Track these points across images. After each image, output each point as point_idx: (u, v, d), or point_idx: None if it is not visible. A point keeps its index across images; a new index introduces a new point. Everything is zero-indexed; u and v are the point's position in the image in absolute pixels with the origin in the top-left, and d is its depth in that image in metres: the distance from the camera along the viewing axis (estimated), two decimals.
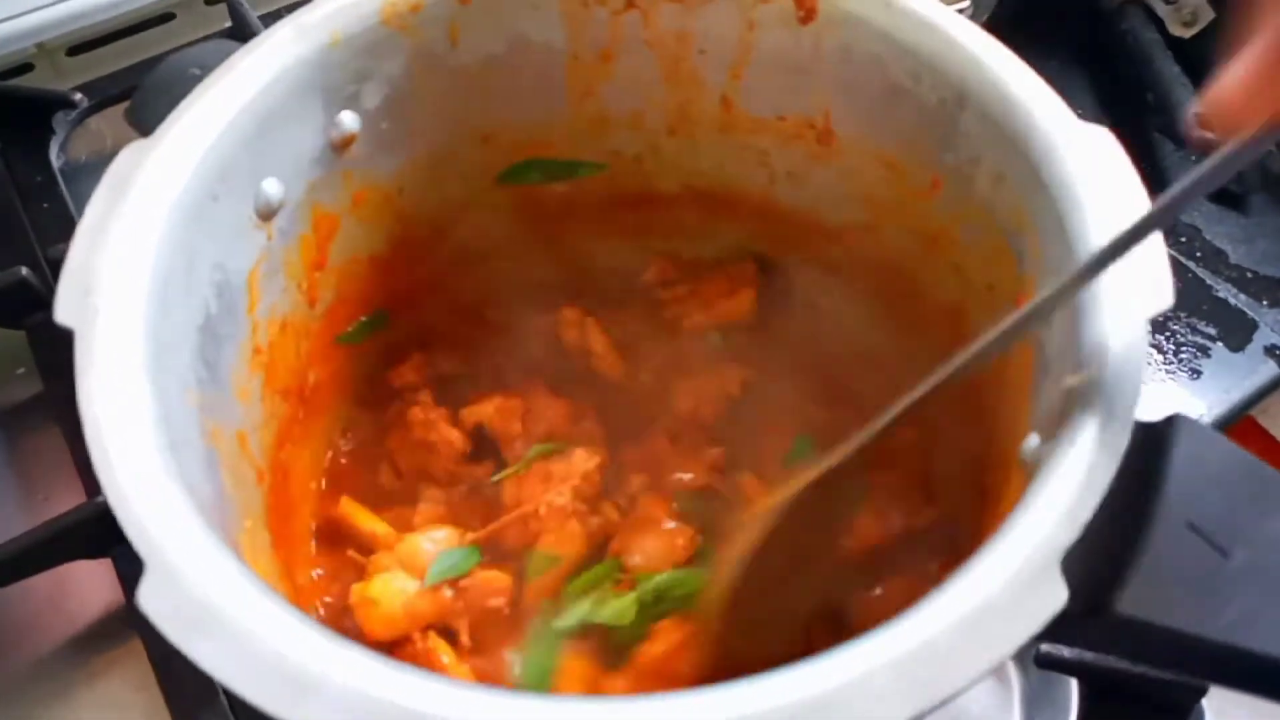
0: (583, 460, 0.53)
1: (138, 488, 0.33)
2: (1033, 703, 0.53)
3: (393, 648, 0.47)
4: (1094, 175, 0.40)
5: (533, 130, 0.55)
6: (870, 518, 0.51)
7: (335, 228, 0.51)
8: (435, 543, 0.49)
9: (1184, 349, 0.66)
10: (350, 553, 0.51)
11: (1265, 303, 0.68)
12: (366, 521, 0.53)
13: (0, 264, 0.65)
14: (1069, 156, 0.41)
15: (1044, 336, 0.40)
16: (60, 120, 0.74)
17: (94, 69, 0.79)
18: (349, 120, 0.49)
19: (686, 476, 0.54)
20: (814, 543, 0.45)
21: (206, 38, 0.80)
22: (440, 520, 0.52)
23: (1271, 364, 0.65)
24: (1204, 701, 0.49)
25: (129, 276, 0.38)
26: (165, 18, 0.81)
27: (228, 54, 0.45)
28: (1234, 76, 0.30)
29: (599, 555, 0.52)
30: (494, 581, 0.49)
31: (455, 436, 0.55)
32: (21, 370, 0.64)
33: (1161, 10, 0.80)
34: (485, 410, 0.55)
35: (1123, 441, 0.33)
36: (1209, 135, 0.32)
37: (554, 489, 0.51)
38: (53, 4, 0.76)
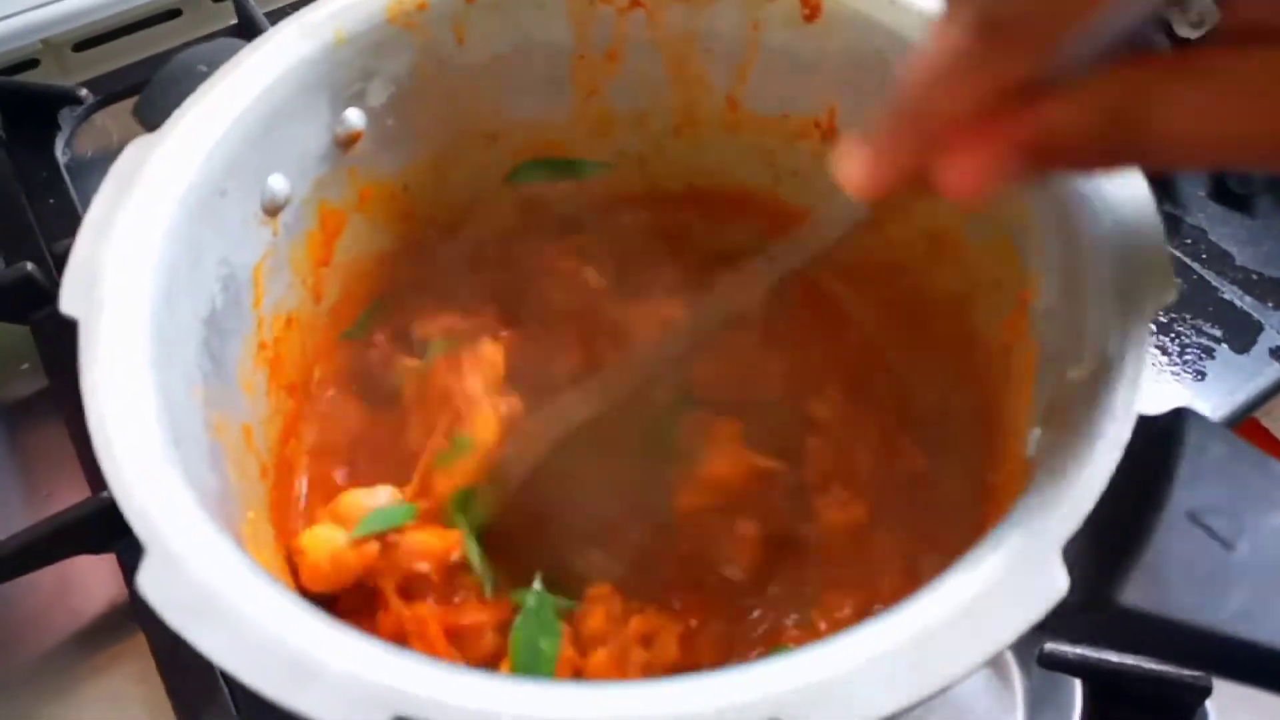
0: (490, 350, 0.52)
1: (140, 476, 0.33)
2: (1036, 704, 0.53)
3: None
4: None
5: (538, 129, 0.56)
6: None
7: (341, 225, 0.51)
8: (374, 497, 0.49)
9: (1189, 350, 0.65)
10: None
11: (1271, 305, 0.67)
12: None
13: (6, 259, 0.66)
14: None
15: (1047, 330, 0.40)
16: (66, 116, 0.74)
17: (100, 65, 0.79)
18: (355, 118, 0.49)
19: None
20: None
21: (212, 34, 0.80)
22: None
23: (1276, 366, 0.65)
24: (1208, 702, 0.48)
25: (134, 270, 0.38)
26: (171, 14, 0.82)
27: (236, 51, 0.45)
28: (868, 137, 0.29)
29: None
30: (424, 544, 0.47)
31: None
32: (26, 365, 0.64)
33: (1168, 12, 0.79)
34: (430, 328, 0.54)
35: (1125, 433, 0.33)
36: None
37: (467, 379, 0.51)
38: (59, 0, 0.77)
